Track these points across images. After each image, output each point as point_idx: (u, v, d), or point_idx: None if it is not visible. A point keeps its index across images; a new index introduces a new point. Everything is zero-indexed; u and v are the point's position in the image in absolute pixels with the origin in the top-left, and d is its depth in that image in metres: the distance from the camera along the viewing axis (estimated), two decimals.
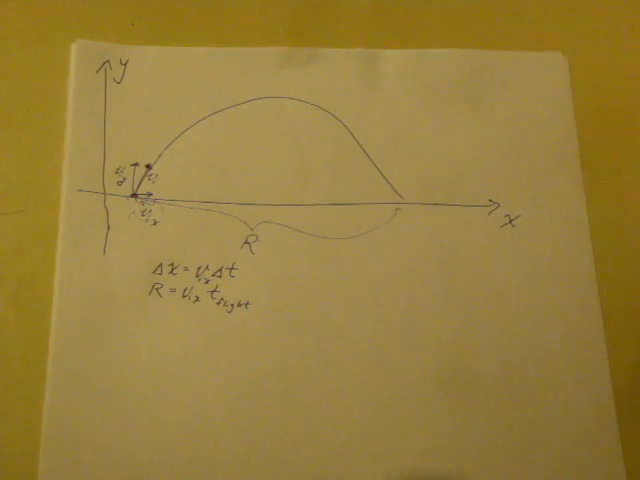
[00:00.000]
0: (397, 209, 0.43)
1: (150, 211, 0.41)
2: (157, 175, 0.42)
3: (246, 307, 0.40)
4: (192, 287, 0.40)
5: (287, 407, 0.39)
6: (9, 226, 0.41)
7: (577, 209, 0.43)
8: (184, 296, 0.40)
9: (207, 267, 0.41)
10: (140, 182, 0.42)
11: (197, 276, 0.40)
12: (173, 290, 0.40)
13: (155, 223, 0.41)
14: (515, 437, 0.39)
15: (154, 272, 0.40)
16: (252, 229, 0.42)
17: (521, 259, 0.42)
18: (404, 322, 0.41)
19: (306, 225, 0.42)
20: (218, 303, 0.40)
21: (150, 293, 0.40)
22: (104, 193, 0.41)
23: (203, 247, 0.41)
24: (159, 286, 0.40)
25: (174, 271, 0.40)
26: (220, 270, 0.41)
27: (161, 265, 0.41)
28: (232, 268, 0.41)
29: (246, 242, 0.41)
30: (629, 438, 0.39)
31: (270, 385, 0.39)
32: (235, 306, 0.40)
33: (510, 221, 0.43)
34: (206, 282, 0.40)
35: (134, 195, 0.42)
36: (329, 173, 0.43)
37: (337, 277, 0.41)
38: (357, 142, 0.44)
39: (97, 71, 0.43)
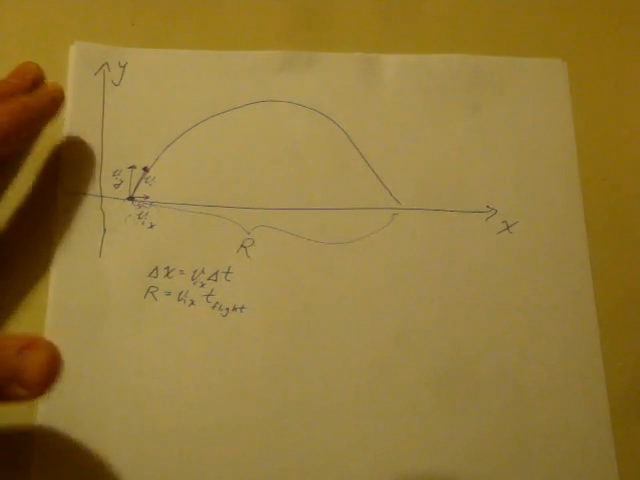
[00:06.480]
0: (394, 214, 0.43)
1: (147, 214, 0.41)
2: (154, 178, 0.42)
3: (241, 311, 0.40)
4: (187, 291, 0.40)
5: (282, 411, 0.39)
6: None
7: (575, 216, 0.43)
8: (179, 300, 0.40)
9: (203, 271, 0.41)
10: (137, 185, 0.42)
11: (193, 280, 0.40)
12: (168, 293, 0.40)
13: (151, 226, 0.41)
14: (511, 441, 0.39)
15: (150, 275, 0.40)
16: (248, 233, 0.42)
17: (518, 265, 0.42)
18: (401, 327, 0.41)
19: (303, 229, 0.42)
20: (213, 307, 0.40)
21: (145, 296, 0.40)
22: (100, 196, 0.41)
23: (199, 250, 0.41)
24: (154, 289, 0.40)
25: (170, 274, 0.40)
26: (216, 274, 0.41)
27: (157, 268, 0.40)
28: (228, 272, 0.41)
29: (242, 246, 0.41)
30: (623, 444, 0.39)
31: (265, 389, 0.39)
32: (230, 310, 0.40)
33: (507, 227, 0.43)
34: (201, 286, 0.40)
35: (131, 198, 0.42)
36: (326, 178, 0.43)
37: (334, 282, 0.41)
38: (355, 147, 0.44)
39: (95, 73, 0.43)
